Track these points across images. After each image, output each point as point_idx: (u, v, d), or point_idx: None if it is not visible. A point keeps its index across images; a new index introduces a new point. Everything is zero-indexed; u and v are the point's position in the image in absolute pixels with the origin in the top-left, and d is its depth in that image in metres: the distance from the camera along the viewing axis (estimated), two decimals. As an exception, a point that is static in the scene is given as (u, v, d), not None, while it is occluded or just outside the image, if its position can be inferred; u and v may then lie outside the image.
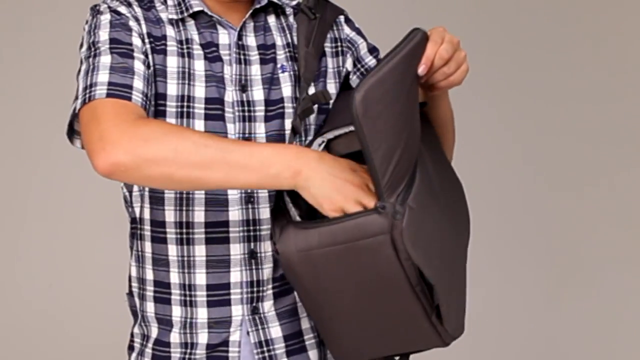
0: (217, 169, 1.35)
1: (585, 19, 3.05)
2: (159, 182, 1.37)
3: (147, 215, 1.58)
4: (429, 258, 1.39)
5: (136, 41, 1.51)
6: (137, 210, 1.59)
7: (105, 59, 1.46)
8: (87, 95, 1.43)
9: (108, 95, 1.41)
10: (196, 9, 1.58)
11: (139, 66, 1.47)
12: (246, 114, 1.57)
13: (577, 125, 3.09)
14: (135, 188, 1.59)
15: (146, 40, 1.53)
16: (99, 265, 2.97)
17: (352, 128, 1.48)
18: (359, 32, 1.71)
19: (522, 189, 3.13)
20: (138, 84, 1.44)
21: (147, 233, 1.58)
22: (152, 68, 1.52)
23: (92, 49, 1.49)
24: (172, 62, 1.53)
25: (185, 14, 1.58)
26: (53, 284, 3.07)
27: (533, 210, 3.13)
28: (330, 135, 1.52)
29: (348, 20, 1.70)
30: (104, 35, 1.50)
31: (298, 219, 1.42)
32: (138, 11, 1.56)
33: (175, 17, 1.57)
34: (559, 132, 3.09)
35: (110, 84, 1.42)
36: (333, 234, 1.37)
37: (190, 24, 1.59)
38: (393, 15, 2.99)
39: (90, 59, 1.47)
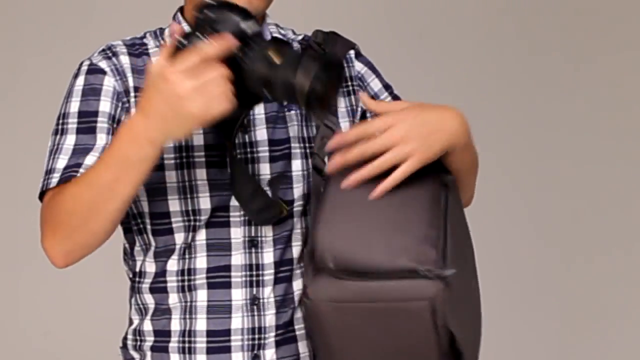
0: (107, 194, 1.37)
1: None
2: (98, 230, 1.41)
3: (148, 268, 1.56)
4: (461, 324, 1.37)
5: (104, 106, 1.50)
6: (138, 264, 1.57)
7: (70, 140, 1.49)
8: (45, 182, 1.47)
9: (58, 182, 1.45)
10: None
11: (100, 141, 1.48)
12: (249, 155, 1.53)
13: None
14: (137, 242, 1.56)
15: (131, 95, 1.51)
16: (96, 316, 2.94)
17: None
18: (371, 67, 1.65)
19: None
20: (90, 159, 1.46)
21: (147, 285, 1.56)
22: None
23: (61, 123, 1.51)
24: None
25: None
26: (49, 333, 3.04)
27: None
28: None
29: (359, 55, 1.65)
30: (74, 106, 1.51)
31: (332, 265, 1.36)
32: (125, 61, 1.54)
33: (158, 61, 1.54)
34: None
35: (65, 168, 1.46)
36: (372, 290, 1.33)
37: None
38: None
39: (57, 136, 1.50)
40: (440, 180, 1.45)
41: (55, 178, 1.46)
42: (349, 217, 1.39)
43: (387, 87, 1.65)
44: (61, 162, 1.47)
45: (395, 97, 1.64)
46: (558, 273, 3.07)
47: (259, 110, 1.54)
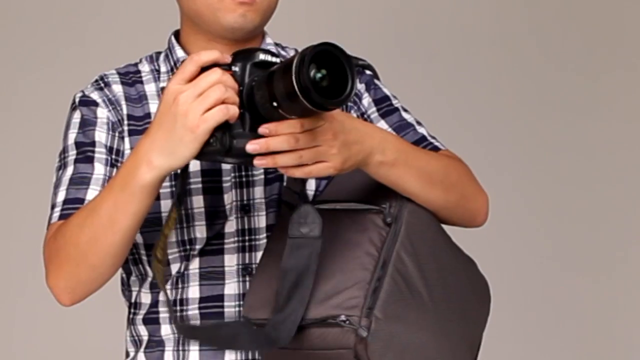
0: (106, 224, 1.35)
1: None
2: (99, 264, 1.39)
3: (144, 299, 1.53)
4: None
5: (99, 136, 1.50)
6: (134, 295, 1.55)
7: (68, 172, 1.48)
8: (50, 217, 1.47)
9: (60, 217, 1.45)
10: None
11: (98, 170, 1.48)
12: (244, 179, 1.51)
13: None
14: (134, 272, 1.54)
15: (125, 123, 1.51)
16: (93, 348, 2.84)
17: (356, 206, 1.43)
18: (368, 83, 1.60)
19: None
20: (91, 193, 1.45)
21: (140, 317, 1.53)
22: (127, 152, 1.50)
23: (62, 158, 1.51)
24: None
25: None
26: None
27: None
28: (326, 206, 1.44)
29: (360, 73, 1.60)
30: (71, 138, 1.51)
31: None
32: (117, 90, 1.53)
33: (166, 85, 1.50)
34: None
35: (64, 202, 1.46)
36: (300, 338, 1.34)
37: None
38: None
39: (60, 172, 1.50)
40: (383, 218, 1.41)
41: (56, 213, 1.46)
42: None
43: (382, 99, 1.60)
44: (61, 195, 1.47)
45: (393, 110, 1.59)
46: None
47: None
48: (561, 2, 2.95)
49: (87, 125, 1.50)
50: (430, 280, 1.42)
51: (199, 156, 1.28)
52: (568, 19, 2.94)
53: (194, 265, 1.49)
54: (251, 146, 1.26)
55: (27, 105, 2.83)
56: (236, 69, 1.29)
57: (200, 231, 1.48)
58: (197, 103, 1.25)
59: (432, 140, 1.57)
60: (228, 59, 1.29)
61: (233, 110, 1.26)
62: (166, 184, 1.46)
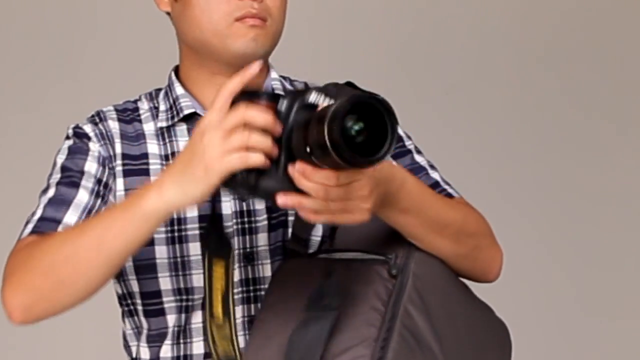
0: (92, 242, 1.27)
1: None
2: (68, 281, 1.29)
3: (143, 354, 1.48)
4: None
5: (89, 167, 1.45)
6: (133, 350, 1.49)
7: (49, 193, 1.43)
8: (21, 232, 1.41)
9: (32, 231, 1.39)
10: (187, 111, 1.46)
11: (81, 197, 1.42)
12: (246, 225, 1.44)
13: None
14: (130, 325, 1.49)
15: (117, 162, 1.47)
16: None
17: (362, 256, 1.37)
18: None
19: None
20: (70, 217, 1.40)
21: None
22: (120, 192, 1.45)
23: (45, 185, 1.46)
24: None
25: (176, 119, 1.47)
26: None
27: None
28: (336, 255, 1.39)
29: None
30: (59, 162, 1.47)
31: None
32: (113, 127, 1.49)
33: (165, 124, 1.48)
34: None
35: (39, 219, 1.40)
36: None
37: (182, 128, 1.48)
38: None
39: (41, 197, 1.44)
40: (388, 270, 1.34)
41: (28, 228, 1.39)
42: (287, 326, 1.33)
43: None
44: (37, 213, 1.41)
45: (405, 152, 1.53)
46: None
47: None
48: (578, 41, 2.96)
49: (77, 153, 1.46)
50: (442, 332, 1.35)
51: (224, 184, 1.20)
52: (590, 60, 2.96)
53: (197, 319, 1.43)
54: (282, 200, 1.19)
55: (21, 143, 2.82)
56: (281, 108, 1.20)
57: (198, 280, 1.42)
58: (218, 144, 1.17)
59: (446, 187, 1.51)
60: (256, 68, 1.22)
61: (256, 159, 1.17)
62: (162, 229, 1.41)
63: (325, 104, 1.19)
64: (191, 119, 1.46)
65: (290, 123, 1.20)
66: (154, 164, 1.45)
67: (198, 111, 1.45)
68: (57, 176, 1.44)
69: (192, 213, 1.42)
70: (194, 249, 1.42)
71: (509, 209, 2.80)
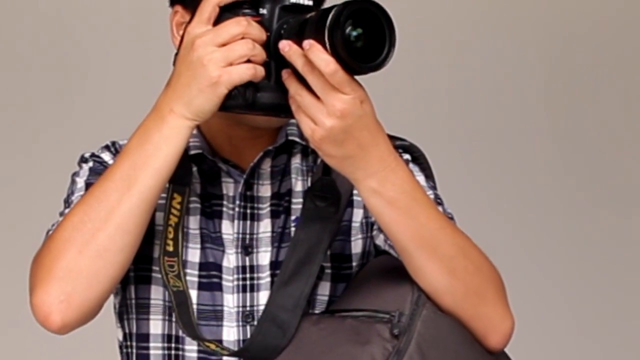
0: (123, 186, 1.22)
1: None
2: (114, 236, 1.23)
3: None
4: None
5: None
6: None
7: None
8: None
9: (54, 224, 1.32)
10: (193, 152, 1.37)
11: None
12: (248, 282, 1.36)
13: None
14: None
15: None
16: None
17: (363, 313, 1.28)
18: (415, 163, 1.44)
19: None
20: None
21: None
22: None
23: (65, 205, 1.38)
24: (160, 220, 1.34)
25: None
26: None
27: None
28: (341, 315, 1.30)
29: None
30: (80, 182, 1.38)
31: None
32: None
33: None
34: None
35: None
36: None
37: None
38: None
39: (61, 218, 1.34)
40: (390, 329, 1.25)
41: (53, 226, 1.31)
42: None
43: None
44: None
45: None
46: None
47: (264, 229, 1.38)
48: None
49: (99, 174, 1.34)
50: None
51: (219, 108, 1.21)
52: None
53: None
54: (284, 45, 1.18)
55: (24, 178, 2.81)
56: (264, 11, 1.21)
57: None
58: (219, 54, 1.17)
59: None
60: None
61: (260, 72, 1.19)
62: (156, 267, 1.34)
63: (305, 2, 1.21)
64: (199, 160, 1.39)
65: (276, 30, 1.21)
66: (161, 199, 1.35)
67: (204, 153, 1.38)
68: (80, 194, 1.35)
69: (194, 258, 1.36)
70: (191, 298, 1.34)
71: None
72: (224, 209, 1.37)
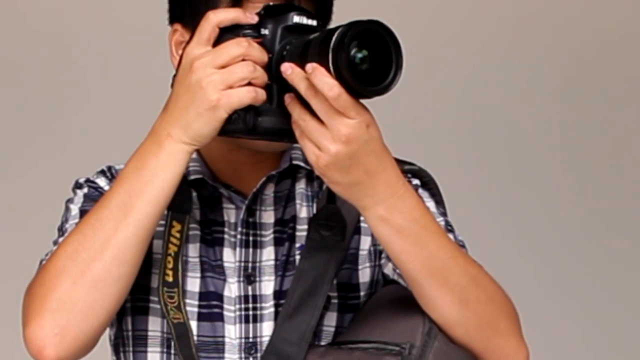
0: (118, 216, 1.19)
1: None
2: (103, 274, 1.20)
3: None
4: None
5: None
6: None
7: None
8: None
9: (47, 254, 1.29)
10: (193, 177, 1.34)
11: None
12: (250, 312, 1.32)
13: None
14: None
15: None
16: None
17: (373, 345, 1.25)
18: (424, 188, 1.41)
19: None
20: None
21: None
22: None
23: (59, 234, 1.35)
24: (158, 249, 1.30)
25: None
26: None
27: None
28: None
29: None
30: (74, 209, 1.36)
31: None
32: None
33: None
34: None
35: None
36: None
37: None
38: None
39: (55, 247, 1.31)
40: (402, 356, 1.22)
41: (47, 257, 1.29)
42: None
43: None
44: None
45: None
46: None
47: (268, 257, 1.35)
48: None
49: (95, 199, 1.33)
50: None
51: (219, 133, 1.18)
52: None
53: None
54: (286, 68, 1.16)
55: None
56: (266, 32, 1.19)
57: None
58: (218, 76, 1.15)
59: None
60: (253, 18, 1.19)
61: (261, 95, 1.17)
62: (155, 297, 1.31)
63: (308, 22, 1.18)
64: (199, 186, 1.35)
65: (278, 51, 1.18)
66: (160, 226, 1.32)
67: (205, 178, 1.35)
68: (75, 222, 1.33)
69: (194, 288, 1.32)
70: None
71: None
72: (226, 236, 1.34)
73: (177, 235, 1.28)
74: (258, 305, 1.32)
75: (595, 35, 2.94)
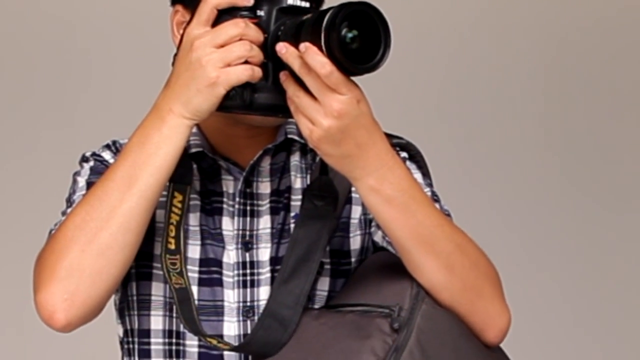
0: (123, 187, 1.24)
1: None
2: (111, 242, 1.24)
3: None
4: None
5: None
6: None
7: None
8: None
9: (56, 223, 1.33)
10: (193, 150, 1.38)
11: None
12: (248, 277, 1.36)
13: None
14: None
15: None
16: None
17: (363, 307, 1.29)
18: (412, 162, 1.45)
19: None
20: None
21: None
22: None
23: (67, 205, 1.39)
24: (161, 218, 1.35)
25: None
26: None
27: None
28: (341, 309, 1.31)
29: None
30: (81, 181, 1.39)
31: None
32: None
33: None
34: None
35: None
36: None
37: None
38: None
39: (63, 217, 1.34)
40: (390, 323, 1.26)
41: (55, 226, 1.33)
42: None
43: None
44: None
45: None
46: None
47: (264, 225, 1.39)
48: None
49: (102, 173, 1.34)
50: None
51: (218, 109, 1.23)
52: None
53: None
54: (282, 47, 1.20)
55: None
56: (261, 13, 1.23)
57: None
58: (217, 55, 1.19)
59: None
60: (250, 1, 1.23)
61: (257, 73, 1.21)
62: (158, 264, 1.35)
63: (302, 4, 1.22)
64: (199, 158, 1.40)
65: (273, 31, 1.22)
66: (162, 197, 1.36)
67: (205, 151, 1.39)
68: (81, 193, 1.36)
69: (194, 255, 1.37)
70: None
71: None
72: (224, 205, 1.38)
73: (179, 205, 1.32)
74: (255, 271, 1.36)
75: (595, 22, 2.96)
